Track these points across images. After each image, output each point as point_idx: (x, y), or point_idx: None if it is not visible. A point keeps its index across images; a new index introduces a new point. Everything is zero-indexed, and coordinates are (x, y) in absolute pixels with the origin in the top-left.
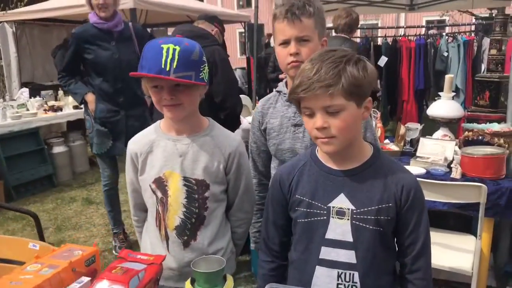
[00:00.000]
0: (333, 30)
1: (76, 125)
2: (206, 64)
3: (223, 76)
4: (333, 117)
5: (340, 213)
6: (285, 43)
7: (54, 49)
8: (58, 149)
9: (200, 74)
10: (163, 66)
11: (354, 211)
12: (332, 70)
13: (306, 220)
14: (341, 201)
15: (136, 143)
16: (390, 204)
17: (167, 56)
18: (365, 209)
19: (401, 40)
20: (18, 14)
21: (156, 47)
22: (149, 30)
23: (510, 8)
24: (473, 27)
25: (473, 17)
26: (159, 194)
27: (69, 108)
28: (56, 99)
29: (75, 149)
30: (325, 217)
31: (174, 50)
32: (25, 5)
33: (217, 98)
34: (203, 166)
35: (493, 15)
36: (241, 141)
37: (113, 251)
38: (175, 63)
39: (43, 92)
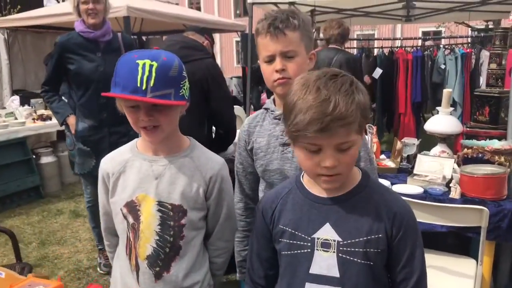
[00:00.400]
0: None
1: (65, 135)
2: (187, 79)
3: (220, 93)
4: (343, 153)
5: (325, 245)
6: (270, 59)
7: (47, 57)
8: (46, 159)
9: (180, 91)
10: (138, 85)
11: (341, 243)
12: (351, 105)
13: (289, 252)
14: (327, 232)
15: (108, 162)
16: (380, 235)
17: (143, 73)
18: (353, 240)
19: (398, 52)
20: (11, 21)
21: (131, 62)
22: (144, 38)
23: (506, 21)
24: (469, 39)
25: (469, 28)
26: (131, 220)
27: None
28: (46, 108)
29: (64, 159)
30: (309, 250)
31: (151, 66)
32: (18, 12)
33: (216, 116)
34: (181, 190)
35: (489, 27)
36: (224, 164)
37: (98, 269)
38: (152, 81)
39: (32, 101)
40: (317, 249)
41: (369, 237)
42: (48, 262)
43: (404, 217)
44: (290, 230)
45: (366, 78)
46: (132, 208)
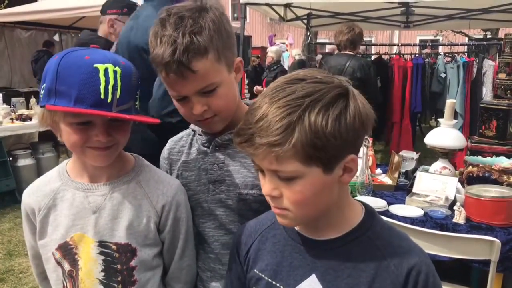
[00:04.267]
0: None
1: (47, 136)
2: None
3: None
4: (286, 184)
5: None
6: (181, 98)
7: (35, 54)
8: (23, 162)
9: (136, 103)
10: (102, 97)
11: None
12: (281, 120)
13: None
14: (312, 286)
15: (32, 195)
16: None
17: (106, 82)
18: None
19: (393, 58)
20: None
21: (86, 66)
22: None
23: (504, 30)
24: (467, 48)
25: (467, 38)
26: (67, 266)
27: None
28: (27, 107)
29: (44, 161)
30: None
31: (115, 72)
32: (6, 7)
33: None
34: (127, 224)
35: (487, 36)
36: (180, 186)
37: None
38: (118, 92)
39: (13, 100)
40: None
41: None
42: (12, 276)
43: (421, 274)
44: (266, 278)
45: None
46: (67, 251)
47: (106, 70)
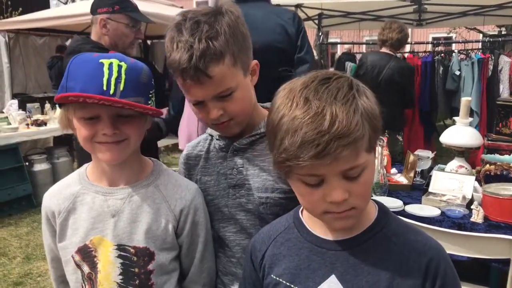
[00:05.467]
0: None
1: (62, 141)
2: (154, 90)
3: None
4: (354, 181)
5: None
6: (198, 103)
7: (50, 60)
8: (39, 167)
9: (149, 102)
10: (105, 88)
11: None
12: (354, 115)
13: None
14: (332, 287)
15: (52, 198)
16: None
17: (110, 75)
18: None
19: (408, 57)
20: (12, 23)
21: (92, 62)
22: (149, 42)
23: None
24: (481, 44)
25: (481, 34)
26: (86, 269)
27: (54, 123)
28: (42, 113)
29: (59, 166)
30: None
31: (120, 67)
32: (20, 14)
33: None
34: (145, 228)
35: (502, 32)
36: (198, 190)
37: None
38: (121, 84)
39: (29, 105)
40: None
41: None
42: (31, 280)
43: (440, 266)
44: (285, 282)
45: None
46: (87, 254)
47: (110, 64)
